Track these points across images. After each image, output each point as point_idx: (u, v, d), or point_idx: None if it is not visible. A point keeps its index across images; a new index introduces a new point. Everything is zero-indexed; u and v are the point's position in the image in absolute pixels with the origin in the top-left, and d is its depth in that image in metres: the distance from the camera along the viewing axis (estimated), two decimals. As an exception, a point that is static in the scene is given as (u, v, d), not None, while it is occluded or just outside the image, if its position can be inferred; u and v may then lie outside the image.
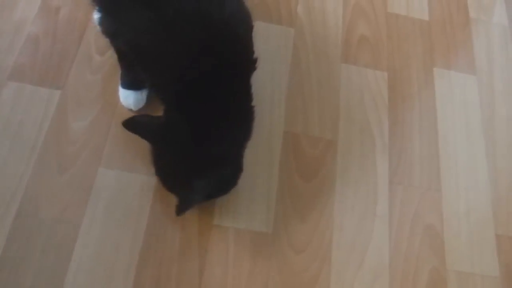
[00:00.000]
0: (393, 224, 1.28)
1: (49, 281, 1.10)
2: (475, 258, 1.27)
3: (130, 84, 1.29)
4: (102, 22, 1.14)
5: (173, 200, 1.15)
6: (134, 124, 1.13)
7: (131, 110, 1.30)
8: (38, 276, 1.09)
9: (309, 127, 1.38)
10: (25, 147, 1.22)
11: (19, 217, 1.15)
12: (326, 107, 1.42)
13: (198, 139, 1.09)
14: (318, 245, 1.23)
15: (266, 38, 1.49)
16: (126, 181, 1.22)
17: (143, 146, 1.17)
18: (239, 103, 1.13)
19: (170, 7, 1.01)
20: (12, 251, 1.11)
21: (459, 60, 1.58)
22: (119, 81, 1.31)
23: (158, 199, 1.21)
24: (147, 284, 1.12)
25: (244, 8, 1.12)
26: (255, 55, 1.13)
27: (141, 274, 1.13)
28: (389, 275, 1.22)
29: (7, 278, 1.08)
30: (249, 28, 1.13)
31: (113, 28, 1.11)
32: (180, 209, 1.10)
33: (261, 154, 1.31)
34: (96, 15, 1.29)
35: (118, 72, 1.31)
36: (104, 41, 1.22)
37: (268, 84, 1.42)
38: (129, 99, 1.29)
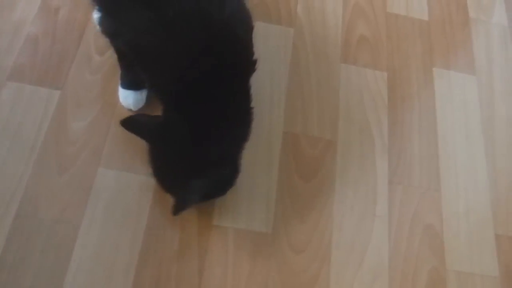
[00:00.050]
0: (392, 224, 1.28)
1: (48, 281, 1.10)
2: (475, 258, 1.27)
3: (130, 84, 1.29)
4: (102, 21, 1.14)
5: (172, 200, 1.14)
6: (132, 123, 1.13)
7: (130, 110, 1.30)
8: (37, 276, 1.10)
9: (308, 127, 1.38)
10: (24, 147, 1.22)
11: (19, 217, 1.15)
12: (326, 107, 1.42)
13: (196, 139, 1.09)
14: (318, 245, 1.23)
15: (265, 38, 1.49)
16: (126, 181, 1.22)
17: (142, 146, 1.17)
18: (238, 104, 1.13)
19: (170, 7, 1.01)
20: (11, 251, 1.11)
21: (458, 60, 1.58)
22: (119, 81, 1.31)
23: (157, 199, 1.21)
24: (147, 284, 1.12)
25: (244, 8, 1.12)
26: (254, 56, 1.13)
27: (141, 274, 1.13)
28: (388, 275, 1.22)
29: (7, 278, 1.09)
30: (249, 29, 1.13)
31: (113, 28, 1.11)
32: (177, 209, 1.10)
33: (261, 154, 1.31)
34: (95, 15, 1.29)
35: (117, 72, 1.31)
36: (104, 41, 1.22)
37: (267, 84, 1.42)
38: (128, 99, 1.29)
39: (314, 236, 1.24)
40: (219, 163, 1.11)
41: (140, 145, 1.17)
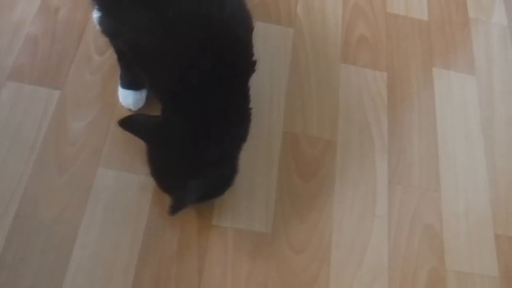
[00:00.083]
0: (392, 224, 1.28)
1: (48, 281, 1.10)
2: (474, 258, 1.28)
3: (130, 84, 1.29)
4: (101, 21, 1.14)
5: (171, 200, 1.14)
6: (130, 123, 1.13)
7: (130, 110, 1.30)
8: (37, 276, 1.10)
9: (308, 127, 1.38)
10: (24, 147, 1.22)
11: (18, 217, 1.15)
12: (325, 107, 1.42)
13: (195, 139, 1.09)
14: (317, 245, 1.23)
15: (265, 38, 1.49)
16: (125, 181, 1.22)
17: (142, 146, 1.17)
18: (237, 105, 1.13)
19: (170, 7, 1.01)
20: (11, 251, 1.11)
21: (458, 60, 1.58)
22: (119, 81, 1.31)
23: (157, 199, 1.21)
24: (146, 284, 1.12)
25: (245, 9, 1.12)
26: (254, 57, 1.13)
27: (140, 274, 1.13)
28: (388, 275, 1.22)
29: (7, 278, 1.09)
30: (249, 29, 1.13)
31: (112, 27, 1.11)
32: (174, 209, 1.10)
33: (260, 154, 1.31)
34: (95, 14, 1.29)
35: (117, 72, 1.31)
36: (104, 41, 1.22)
37: (267, 84, 1.42)
38: (128, 99, 1.29)
39: (314, 236, 1.24)
40: (217, 163, 1.11)
41: (139, 145, 1.17)
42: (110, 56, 1.35)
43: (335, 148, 1.36)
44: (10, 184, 1.18)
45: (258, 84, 1.33)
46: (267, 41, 1.49)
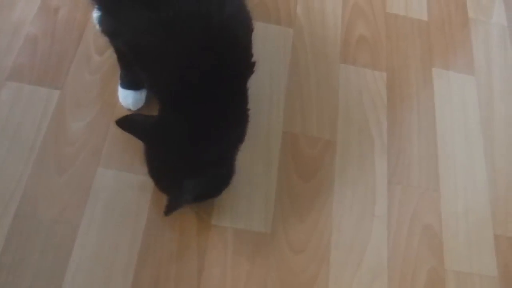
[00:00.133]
0: (391, 224, 1.28)
1: (48, 282, 1.10)
2: (474, 258, 1.28)
3: (130, 84, 1.29)
4: (101, 21, 1.14)
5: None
6: (127, 122, 1.13)
7: (130, 110, 1.30)
8: (37, 277, 1.10)
9: (307, 127, 1.38)
10: (24, 147, 1.22)
11: (18, 217, 1.15)
12: (325, 107, 1.42)
13: (192, 139, 1.09)
14: (317, 245, 1.23)
15: (265, 38, 1.49)
16: (125, 181, 1.23)
17: (141, 146, 1.17)
18: (235, 106, 1.13)
19: (170, 8, 1.01)
20: (11, 251, 1.11)
21: (457, 60, 1.58)
22: (118, 81, 1.31)
23: (156, 199, 1.21)
24: (146, 284, 1.13)
25: (245, 10, 1.12)
26: (253, 58, 1.13)
27: (140, 274, 1.13)
28: (387, 275, 1.22)
29: (6, 278, 1.09)
30: (248, 30, 1.13)
31: (112, 27, 1.11)
32: (169, 209, 1.10)
33: (260, 154, 1.32)
34: (95, 14, 1.29)
35: (117, 72, 1.31)
36: (103, 41, 1.22)
37: (266, 84, 1.42)
38: (128, 99, 1.30)
39: (313, 236, 1.24)
40: (214, 164, 1.11)
41: (139, 145, 1.17)
42: (110, 56, 1.35)
43: (334, 148, 1.36)
44: (10, 184, 1.18)
45: (257, 84, 1.32)
46: (267, 41, 1.49)
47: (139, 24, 1.04)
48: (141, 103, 1.30)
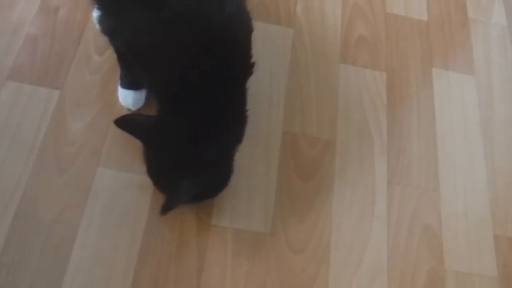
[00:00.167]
0: (391, 224, 1.28)
1: (47, 282, 1.10)
2: (473, 258, 1.28)
3: (129, 84, 1.29)
4: (101, 20, 1.14)
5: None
6: (126, 122, 1.13)
7: (130, 110, 1.30)
8: (36, 277, 1.10)
9: (307, 127, 1.38)
10: (23, 147, 1.22)
11: (18, 217, 1.15)
12: (325, 107, 1.42)
13: (192, 140, 1.09)
14: (317, 245, 1.23)
15: (264, 38, 1.49)
16: (125, 181, 1.23)
17: (141, 146, 1.17)
18: (233, 106, 1.13)
19: (170, 8, 1.01)
20: (10, 251, 1.11)
21: (457, 61, 1.58)
22: (118, 81, 1.31)
23: (156, 199, 1.21)
24: (146, 284, 1.13)
25: (245, 11, 1.12)
26: (253, 59, 1.13)
27: (140, 274, 1.13)
28: (387, 275, 1.22)
29: (6, 278, 1.09)
30: (248, 31, 1.13)
31: (112, 27, 1.12)
32: (165, 209, 1.09)
33: (260, 154, 1.32)
34: (95, 14, 1.29)
35: (117, 72, 1.31)
36: (103, 41, 1.22)
37: (266, 84, 1.42)
38: (128, 99, 1.30)
39: (313, 236, 1.24)
40: (212, 164, 1.11)
41: (139, 145, 1.17)
42: (109, 56, 1.35)
43: (334, 148, 1.36)
44: (10, 184, 1.18)
45: (257, 84, 1.33)
46: (267, 41, 1.49)
47: (139, 24, 1.04)
48: (141, 103, 1.30)
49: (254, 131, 1.19)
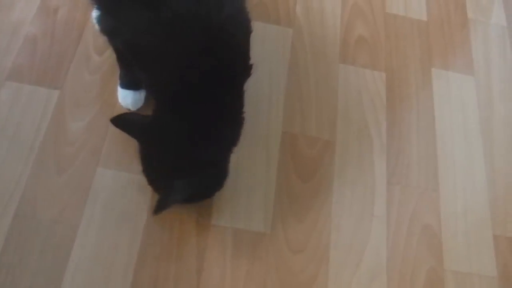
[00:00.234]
0: (390, 224, 1.28)
1: (47, 282, 1.10)
2: (473, 258, 1.28)
3: (129, 84, 1.29)
4: (101, 20, 1.14)
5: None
6: (122, 121, 1.13)
7: (129, 110, 1.30)
8: (36, 277, 1.10)
9: (307, 127, 1.38)
10: (23, 147, 1.22)
11: (17, 217, 1.15)
12: (324, 108, 1.42)
13: (191, 140, 1.09)
14: (316, 245, 1.23)
15: (264, 38, 1.49)
16: (124, 181, 1.23)
17: (137, 145, 1.17)
18: (230, 108, 1.12)
19: (169, 8, 1.01)
20: (10, 251, 1.11)
21: (457, 61, 1.58)
22: (118, 81, 1.31)
23: (155, 199, 1.20)
24: (145, 284, 1.13)
25: (244, 12, 1.12)
26: (251, 61, 1.13)
27: (139, 274, 1.13)
28: (386, 275, 1.22)
29: (5, 278, 1.09)
30: (247, 32, 1.12)
31: (111, 26, 1.12)
32: (158, 208, 1.08)
33: (259, 154, 1.32)
34: (95, 13, 1.29)
35: (116, 72, 1.31)
36: (103, 41, 1.22)
37: (266, 84, 1.42)
38: (127, 99, 1.30)
39: (312, 236, 1.24)
40: (206, 165, 1.11)
41: (137, 145, 1.17)
42: (109, 56, 1.36)
43: (333, 148, 1.36)
44: (9, 184, 1.18)
45: (257, 84, 1.33)
46: (266, 41, 1.49)
47: (138, 24, 1.04)
48: (140, 103, 1.30)
49: (253, 131, 1.19)
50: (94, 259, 1.13)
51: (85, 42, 1.39)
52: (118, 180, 1.22)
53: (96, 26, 1.24)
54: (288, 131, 1.36)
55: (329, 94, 1.44)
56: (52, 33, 1.39)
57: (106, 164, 1.24)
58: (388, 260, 1.24)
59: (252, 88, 1.16)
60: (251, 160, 1.30)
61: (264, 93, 1.40)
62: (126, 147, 1.25)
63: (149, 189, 1.21)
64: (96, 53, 1.38)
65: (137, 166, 1.21)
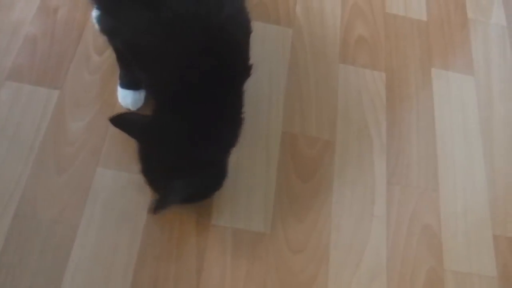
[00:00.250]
0: (390, 224, 1.28)
1: (47, 282, 1.10)
2: (473, 258, 1.28)
3: (129, 84, 1.29)
4: (101, 20, 1.14)
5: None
6: (121, 120, 1.13)
7: (129, 110, 1.30)
8: (36, 277, 1.10)
9: (306, 127, 1.38)
10: (23, 147, 1.22)
11: (17, 218, 1.15)
12: (324, 108, 1.42)
13: (187, 140, 1.09)
14: (316, 245, 1.23)
15: (264, 38, 1.49)
16: (124, 181, 1.23)
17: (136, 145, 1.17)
18: (230, 108, 1.12)
19: (169, 8, 1.01)
20: (10, 251, 1.11)
21: (457, 61, 1.58)
22: (118, 81, 1.31)
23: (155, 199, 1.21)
24: (145, 284, 1.13)
25: (244, 12, 1.12)
26: (250, 61, 1.12)
27: (139, 274, 1.13)
28: (386, 275, 1.22)
29: (5, 279, 1.09)
30: (247, 32, 1.12)
31: (111, 26, 1.12)
32: (156, 208, 1.08)
33: (259, 154, 1.32)
34: (94, 13, 1.29)
35: (116, 72, 1.31)
36: (103, 41, 1.22)
37: (266, 85, 1.42)
38: (127, 98, 1.30)
39: (312, 236, 1.24)
40: (205, 165, 1.11)
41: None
42: (109, 56, 1.35)
43: (333, 148, 1.36)
44: (9, 184, 1.18)
45: (257, 84, 1.33)
46: (266, 41, 1.49)
47: (138, 24, 1.04)
48: (140, 103, 1.30)
49: (253, 131, 1.19)
50: (94, 259, 1.13)
51: (85, 42, 1.39)
52: (118, 180, 1.22)
53: (96, 26, 1.24)
54: (288, 131, 1.36)
55: (329, 94, 1.44)
56: (52, 33, 1.39)
57: (106, 164, 1.24)
58: (388, 260, 1.24)
59: (252, 88, 1.16)
60: (251, 160, 1.30)
61: (264, 93, 1.40)
62: (126, 147, 1.25)
63: (149, 189, 1.21)
64: (96, 53, 1.38)
65: (137, 166, 1.22)
